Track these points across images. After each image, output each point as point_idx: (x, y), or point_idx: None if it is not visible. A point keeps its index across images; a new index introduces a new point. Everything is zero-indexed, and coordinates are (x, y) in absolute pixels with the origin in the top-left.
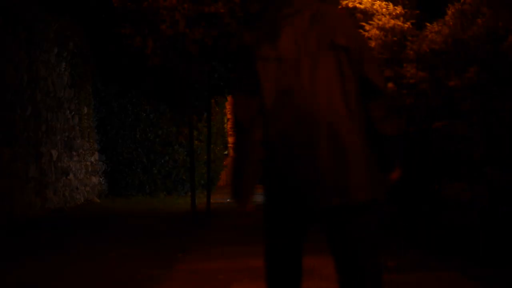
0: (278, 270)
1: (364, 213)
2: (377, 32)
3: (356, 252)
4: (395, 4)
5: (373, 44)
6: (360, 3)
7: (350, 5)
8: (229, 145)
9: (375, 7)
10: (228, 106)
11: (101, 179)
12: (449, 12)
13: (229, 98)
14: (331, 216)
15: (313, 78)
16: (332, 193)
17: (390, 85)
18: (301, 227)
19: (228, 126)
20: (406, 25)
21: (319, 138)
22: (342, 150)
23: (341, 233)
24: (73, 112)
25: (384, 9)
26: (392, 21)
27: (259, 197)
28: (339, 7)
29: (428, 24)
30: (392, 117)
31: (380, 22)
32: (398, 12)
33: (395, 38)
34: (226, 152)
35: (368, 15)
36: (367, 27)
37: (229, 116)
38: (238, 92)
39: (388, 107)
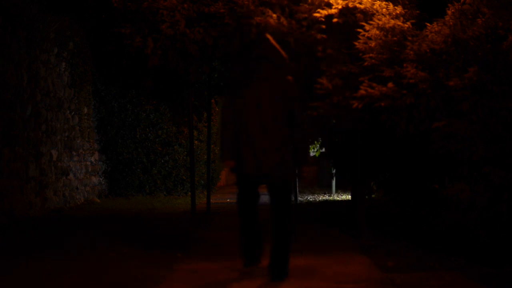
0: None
1: (281, 183)
2: (377, 32)
3: (277, 199)
4: (395, 4)
5: (373, 44)
6: (360, 3)
7: (350, 5)
8: None
9: (375, 7)
10: None
11: (101, 179)
12: (449, 12)
13: None
14: (268, 180)
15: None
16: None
17: (390, 85)
18: (255, 181)
19: None
20: (406, 25)
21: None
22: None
23: (271, 190)
24: (73, 112)
25: (384, 9)
26: (392, 21)
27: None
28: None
29: (428, 24)
30: (302, 137)
31: (380, 22)
32: (398, 12)
33: (395, 38)
34: None
35: (368, 15)
36: (367, 27)
37: None
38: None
39: (301, 132)
